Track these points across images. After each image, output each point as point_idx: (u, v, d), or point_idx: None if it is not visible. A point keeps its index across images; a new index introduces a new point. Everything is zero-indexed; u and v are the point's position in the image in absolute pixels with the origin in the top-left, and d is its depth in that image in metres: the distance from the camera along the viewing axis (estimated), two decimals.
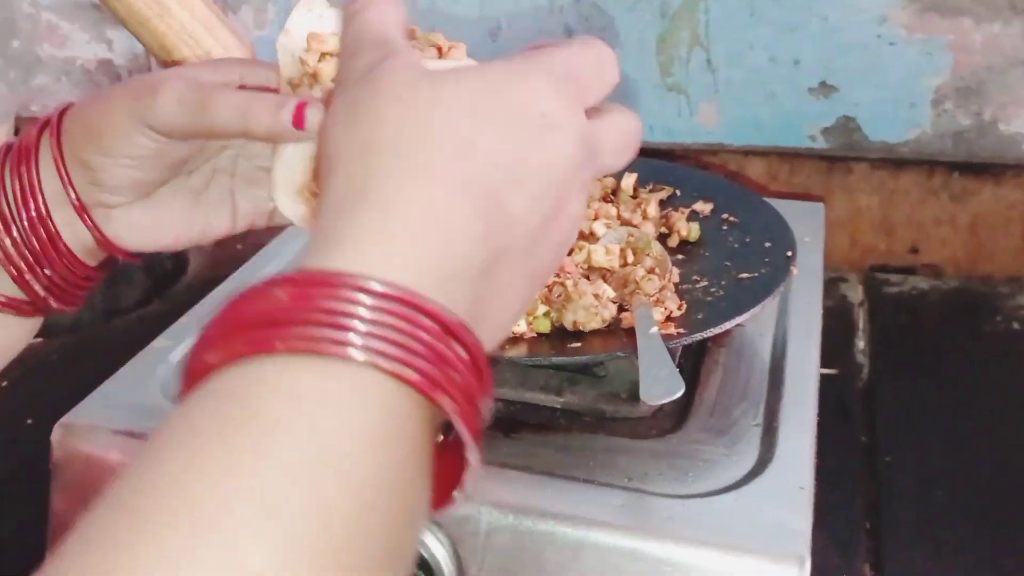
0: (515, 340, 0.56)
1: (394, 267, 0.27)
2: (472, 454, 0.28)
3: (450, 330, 0.27)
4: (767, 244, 0.63)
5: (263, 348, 0.26)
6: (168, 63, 0.61)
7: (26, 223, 0.42)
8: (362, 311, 0.26)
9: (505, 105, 0.31)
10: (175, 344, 0.63)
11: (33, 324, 0.47)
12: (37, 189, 0.42)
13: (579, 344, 0.55)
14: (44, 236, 0.43)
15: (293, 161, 0.39)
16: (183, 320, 0.67)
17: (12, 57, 1.18)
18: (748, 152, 0.98)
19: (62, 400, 0.59)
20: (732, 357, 0.61)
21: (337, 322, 0.26)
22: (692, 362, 0.61)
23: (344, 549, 0.24)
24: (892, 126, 0.94)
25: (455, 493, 0.29)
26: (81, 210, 0.43)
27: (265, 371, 0.26)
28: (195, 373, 0.27)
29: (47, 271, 0.43)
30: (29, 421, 0.76)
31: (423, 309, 0.27)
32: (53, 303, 0.45)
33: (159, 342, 0.63)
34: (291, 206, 0.40)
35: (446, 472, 0.29)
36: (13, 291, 0.44)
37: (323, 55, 0.39)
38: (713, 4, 0.94)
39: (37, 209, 0.42)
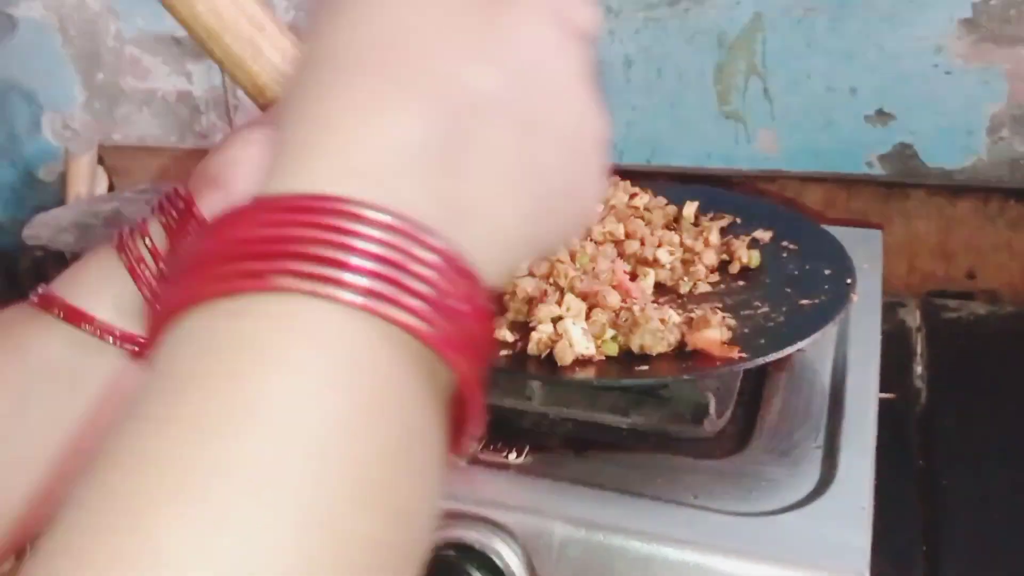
0: (584, 363, 0.58)
1: (320, 175, 0.24)
2: (476, 409, 0.25)
3: (408, 234, 0.24)
4: (827, 271, 0.65)
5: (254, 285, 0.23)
6: (262, 102, 0.66)
7: None
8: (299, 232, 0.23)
9: None
10: None
11: None
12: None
13: (646, 367, 0.58)
14: None
15: None
16: None
17: (97, 88, 1.24)
18: (806, 178, 1.00)
19: None
20: (793, 381, 0.63)
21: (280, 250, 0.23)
22: (753, 385, 0.63)
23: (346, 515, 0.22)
24: (949, 153, 0.96)
25: (463, 443, 0.26)
26: None
27: (257, 312, 0.23)
28: (173, 310, 0.24)
29: None
30: None
31: (368, 220, 0.23)
32: None
33: None
34: None
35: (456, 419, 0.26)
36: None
37: None
38: (770, 35, 0.96)
39: None
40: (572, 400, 0.61)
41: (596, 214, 0.29)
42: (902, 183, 0.97)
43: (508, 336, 0.62)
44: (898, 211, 0.98)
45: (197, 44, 0.66)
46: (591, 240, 0.68)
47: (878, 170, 0.98)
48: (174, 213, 0.47)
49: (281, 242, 0.23)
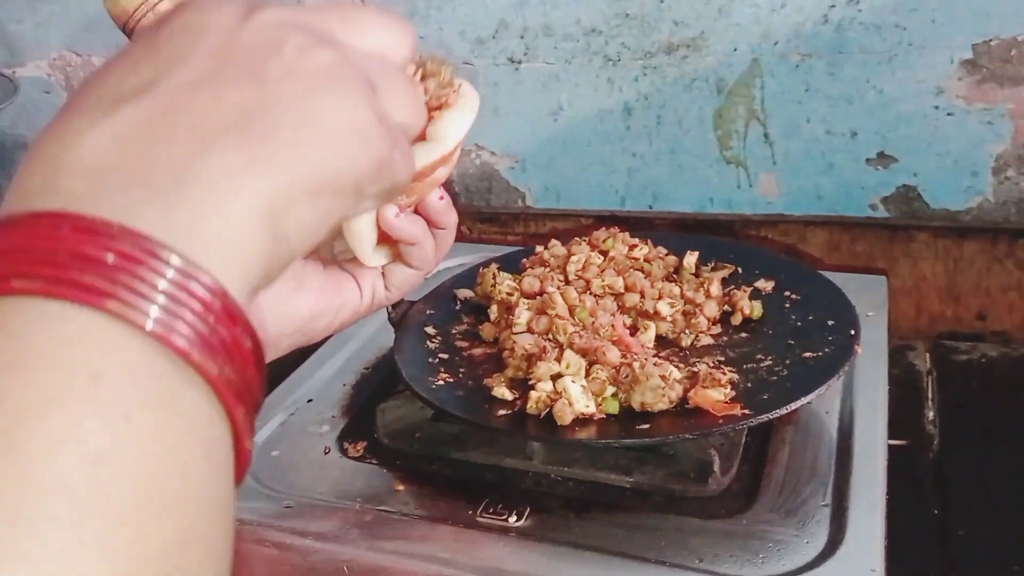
0: (585, 422, 0.57)
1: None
2: (243, 434, 0.27)
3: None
4: (830, 322, 0.64)
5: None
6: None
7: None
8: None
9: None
10: (260, 426, 0.67)
11: None
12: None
13: (647, 425, 0.56)
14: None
15: (359, 223, 0.43)
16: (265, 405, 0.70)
17: None
18: (809, 222, 0.99)
19: None
20: (799, 435, 0.62)
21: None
22: (759, 440, 0.62)
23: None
24: (953, 194, 0.95)
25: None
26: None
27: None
28: None
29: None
30: None
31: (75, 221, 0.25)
32: None
33: None
34: (376, 257, 0.45)
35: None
36: None
37: None
38: (768, 80, 0.96)
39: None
40: (573, 459, 0.60)
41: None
42: (906, 225, 0.96)
43: (507, 394, 0.61)
44: (903, 253, 0.97)
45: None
46: (590, 293, 0.68)
47: (882, 212, 0.98)
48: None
49: (34, 251, 0.24)
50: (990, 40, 0.88)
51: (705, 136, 1.00)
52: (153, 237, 0.25)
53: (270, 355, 0.46)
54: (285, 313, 0.46)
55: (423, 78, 0.43)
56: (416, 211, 0.45)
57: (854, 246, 0.99)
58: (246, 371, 0.27)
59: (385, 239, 0.45)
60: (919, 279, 0.97)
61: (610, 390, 0.58)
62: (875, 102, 0.94)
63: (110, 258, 0.24)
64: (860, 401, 0.65)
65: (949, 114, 0.92)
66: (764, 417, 0.54)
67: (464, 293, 0.76)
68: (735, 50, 0.96)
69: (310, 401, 0.71)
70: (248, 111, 0.27)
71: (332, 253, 0.49)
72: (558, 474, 0.60)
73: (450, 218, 0.47)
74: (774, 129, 0.98)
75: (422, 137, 0.41)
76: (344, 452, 0.65)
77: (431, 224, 0.46)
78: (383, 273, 0.48)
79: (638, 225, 1.05)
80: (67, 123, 0.27)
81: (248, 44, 0.29)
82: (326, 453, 0.65)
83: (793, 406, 0.55)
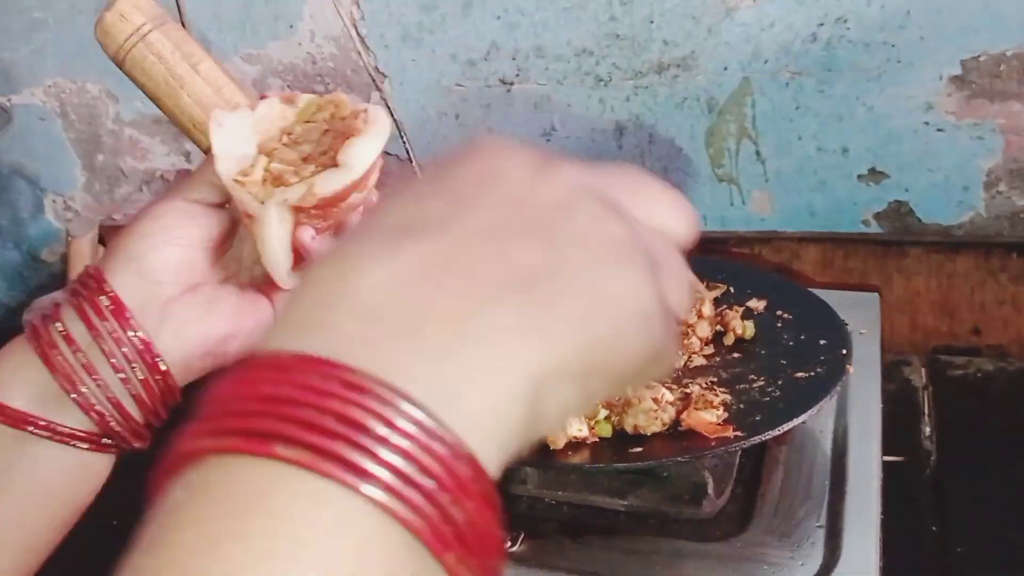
0: (578, 446, 0.57)
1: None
2: None
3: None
4: (822, 342, 0.64)
5: (259, 449, 0.22)
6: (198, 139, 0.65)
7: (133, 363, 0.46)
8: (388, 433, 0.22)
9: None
10: None
11: (109, 460, 0.48)
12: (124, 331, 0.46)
13: (640, 449, 0.56)
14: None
15: (274, 243, 0.44)
16: None
17: (97, 170, 1.25)
18: (802, 239, 1.00)
19: None
20: (793, 455, 0.62)
21: (355, 439, 0.22)
22: (753, 462, 0.62)
23: None
24: (945, 209, 0.95)
25: None
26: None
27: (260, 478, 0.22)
28: (183, 457, 0.23)
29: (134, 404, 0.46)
30: None
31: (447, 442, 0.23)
32: (134, 441, 0.47)
33: None
34: (292, 280, 0.45)
35: None
36: (84, 425, 0.46)
37: (272, 154, 0.44)
38: (759, 98, 0.96)
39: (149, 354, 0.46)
40: (567, 483, 0.60)
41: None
42: (899, 241, 0.97)
43: None
44: (897, 268, 0.97)
45: (184, 134, 0.66)
46: None
47: (875, 228, 0.98)
48: (84, 293, 0.47)
49: (302, 407, 0.22)
50: (979, 56, 0.88)
51: (697, 155, 1.01)
52: (427, 411, 0.23)
53: (182, 379, 0.47)
54: (197, 334, 0.47)
55: (331, 117, 0.45)
56: (335, 234, 0.46)
57: (847, 262, 0.99)
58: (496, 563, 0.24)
59: (301, 261, 0.45)
60: (913, 294, 0.97)
61: (602, 413, 0.58)
62: (865, 119, 0.94)
63: (379, 429, 0.22)
64: (854, 420, 0.65)
65: (939, 130, 0.92)
66: (757, 439, 0.54)
67: None
68: (725, 69, 0.96)
69: None
70: (534, 272, 0.26)
71: (252, 278, 0.50)
72: (552, 498, 0.60)
73: None
74: (766, 147, 0.98)
75: (333, 164, 0.43)
76: None
77: None
78: None
79: None
80: (349, 252, 0.26)
81: (542, 202, 0.27)
82: None
83: (785, 427, 0.55)
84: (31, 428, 0.45)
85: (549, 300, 0.25)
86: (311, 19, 1.04)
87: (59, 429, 0.45)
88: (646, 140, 1.02)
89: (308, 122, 0.46)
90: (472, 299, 0.25)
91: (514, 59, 1.02)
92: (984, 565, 0.70)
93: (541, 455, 0.57)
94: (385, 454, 0.22)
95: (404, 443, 0.22)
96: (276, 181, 0.44)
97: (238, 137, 0.46)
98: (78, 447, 0.45)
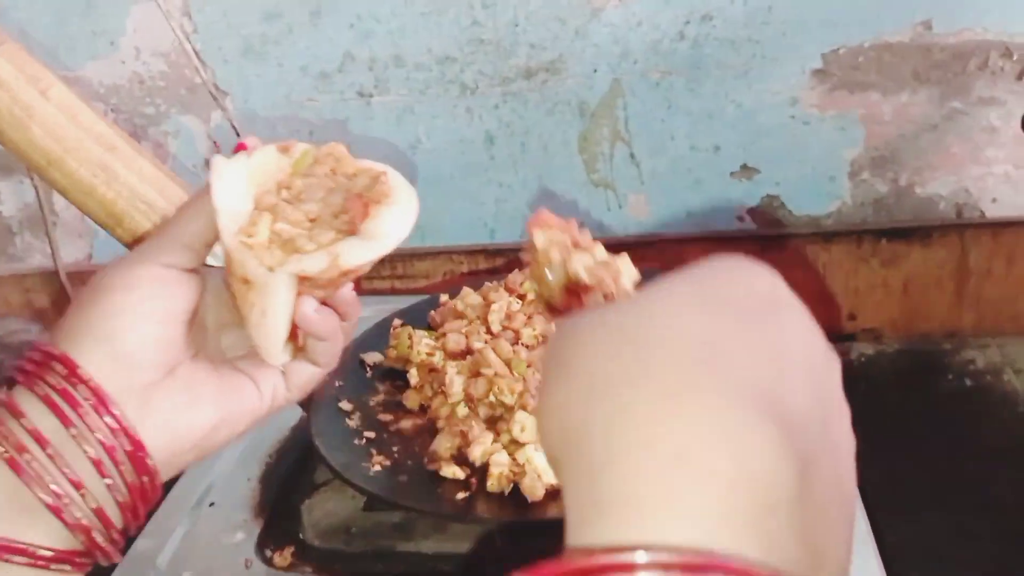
0: (555, 494, 0.51)
1: (679, 522, 0.21)
2: None
3: None
4: None
5: None
6: (121, 233, 0.55)
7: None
8: None
9: (721, 291, 0.27)
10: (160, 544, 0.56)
11: None
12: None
13: None
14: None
15: (277, 317, 0.38)
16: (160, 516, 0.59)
17: None
18: (683, 239, 0.99)
19: None
20: None
21: None
22: None
23: None
24: (814, 200, 0.97)
25: None
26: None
27: None
28: None
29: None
30: None
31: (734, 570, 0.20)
32: (114, 556, 0.38)
33: (141, 543, 0.56)
34: (281, 355, 0.40)
35: None
36: (65, 543, 0.37)
37: (274, 211, 0.38)
38: (630, 100, 0.94)
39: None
40: (542, 534, 0.54)
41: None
42: (776, 235, 0.98)
43: (459, 472, 0.54)
44: (776, 262, 0.96)
45: (35, 173, 0.56)
46: (522, 344, 0.62)
47: (749, 224, 0.99)
48: (52, 381, 0.37)
49: None
50: (838, 49, 0.90)
51: (571, 160, 0.98)
52: None
53: (165, 474, 0.40)
54: (185, 427, 0.40)
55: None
56: (324, 303, 0.41)
57: None
58: None
59: (294, 336, 0.40)
60: (793, 286, 0.98)
61: None
62: (735, 115, 0.94)
63: None
64: None
65: (805, 123, 0.94)
66: None
67: (373, 358, 0.67)
68: (595, 71, 0.93)
69: (212, 505, 0.61)
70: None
71: (220, 349, 0.43)
72: (527, 552, 0.54)
73: (357, 310, 0.43)
74: (639, 149, 0.97)
75: (351, 230, 0.38)
76: (269, 562, 0.55)
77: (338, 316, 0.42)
78: (283, 372, 0.43)
79: (511, 258, 1.01)
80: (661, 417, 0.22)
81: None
82: (248, 567, 0.55)
83: None
84: (5, 556, 0.35)
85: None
86: (135, 34, 0.91)
87: (39, 554, 0.36)
88: (518, 148, 0.97)
89: (306, 175, 0.39)
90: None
91: (371, 69, 0.94)
92: (914, 548, 0.71)
93: (517, 510, 0.51)
94: None
95: None
96: (286, 246, 0.37)
97: (233, 189, 0.38)
98: (60, 571, 0.36)
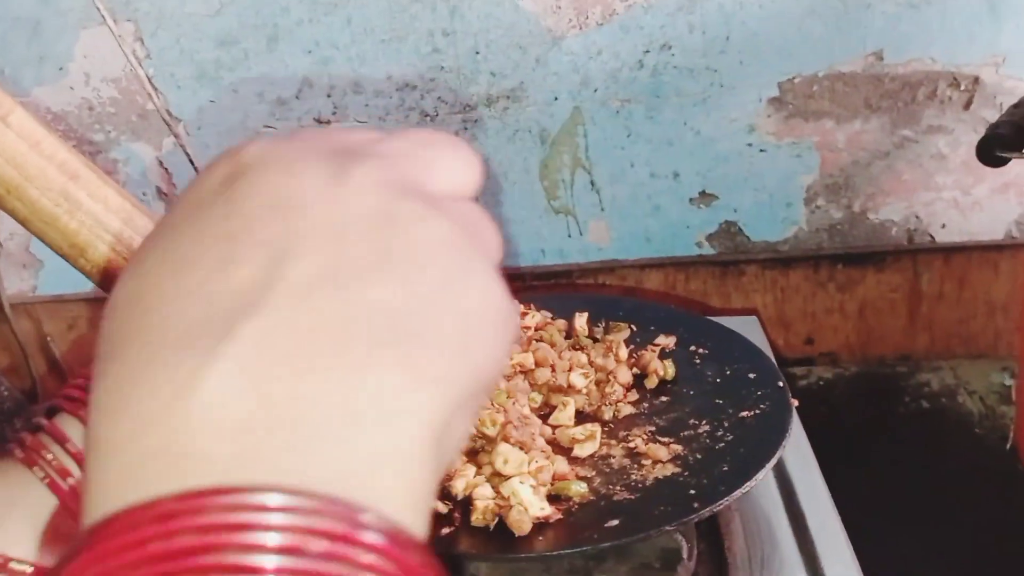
0: (542, 526, 0.50)
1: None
2: None
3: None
4: (751, 375, 0.62)
5: None
6: (84, 264, 0.53)
7: None
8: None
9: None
10: None
11: None
12: None
13: (617, 522, 0.51)
14: None
15: None
16: None
17: None
18: (643, 265, 0.99)
19: None
20: (743, 500, 0.59)
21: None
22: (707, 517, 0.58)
23: None
24: (771, 226, 0.98)
25: None
26: None
27: None
28: None
29: None
30: None
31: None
32: None
33: None
34: None
35: None
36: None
37: None
38: (590, 127, 0.95)
39: None
40: (524, 569, 0.53)
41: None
42: (735, 260, 0.99)
43: (440, 507, 0.52)
44: (735, 287, 0.99)
45: None
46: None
47: (708, 249, 0.99)
48: None
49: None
50: (793, 78, 0.92)
51: (532, 187, 0.97)
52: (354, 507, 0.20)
53: None
54: None
55: None
56: None
57: (689, 284, 0.99)
58: None
59: None
60: (752, 311, 0.99)
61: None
62: (694, 143, 0.95)
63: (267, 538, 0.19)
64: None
65: (762, 150, 0.95)
66: (747, 487, 0.50)
67: None
68: (556, 99, 0.94)
69: None
70: (394, 315, 0.22)
71: None
72: None
73: None
74: (600, 175, 0.97)
75: None
76: None
77: None
78: None
79: None
80: (166, 352, 0.21)
81: (358, 220, 0.23)
82: None
83: (762, 474, 0.51)
84: None
85: (423, 342, 0.22)
86: (85, 59, 0.89)
87: None
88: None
89: None
90: (346, 370, 0.21)
91: (329, 96, 0.93)
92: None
93: (504, 546, 0.50)
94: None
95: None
96: None
97: None
98: None
